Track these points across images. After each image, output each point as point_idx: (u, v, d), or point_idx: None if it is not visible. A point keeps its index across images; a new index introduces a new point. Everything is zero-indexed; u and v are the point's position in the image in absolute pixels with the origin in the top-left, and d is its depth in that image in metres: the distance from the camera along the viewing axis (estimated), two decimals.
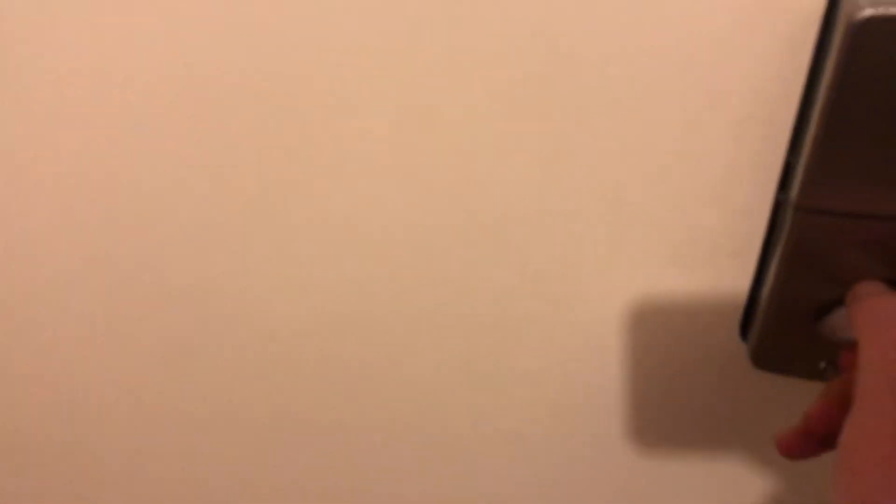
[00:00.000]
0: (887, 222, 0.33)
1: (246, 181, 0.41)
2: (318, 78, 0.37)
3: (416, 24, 0.35)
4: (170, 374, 0.50)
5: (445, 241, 0.41)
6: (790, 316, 0.37)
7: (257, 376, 0.49)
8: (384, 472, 0.53)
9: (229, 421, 0.52)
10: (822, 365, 0.39)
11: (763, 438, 0.46)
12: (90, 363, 0.50)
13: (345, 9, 0.35)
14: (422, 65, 0.36)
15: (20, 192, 0.43)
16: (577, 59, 0.35)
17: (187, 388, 0.50)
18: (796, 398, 0.44)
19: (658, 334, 0.43)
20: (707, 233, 0.39)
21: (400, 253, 0.42)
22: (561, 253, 0.41)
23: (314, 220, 0.42)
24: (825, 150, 0.32)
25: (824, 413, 0.32)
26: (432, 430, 0.51)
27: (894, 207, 0.33)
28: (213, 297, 0.46)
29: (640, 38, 0.34)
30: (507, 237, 0.41)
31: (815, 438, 0.32)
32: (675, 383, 0.45)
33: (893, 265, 0.34)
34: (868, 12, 0.29)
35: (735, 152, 0.36)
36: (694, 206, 0.38)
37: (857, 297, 0.34)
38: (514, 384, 0.47)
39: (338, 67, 0.36)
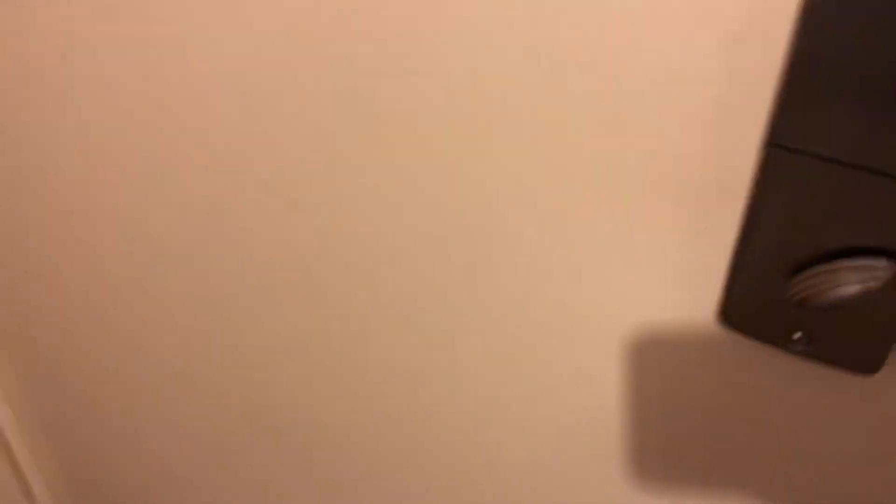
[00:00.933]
0: (874, 175, 0.29)
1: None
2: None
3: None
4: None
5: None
6: (761, 269, 0.34)
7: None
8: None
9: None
10: (798, 335, 0.35)
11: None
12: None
13: None
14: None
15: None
16: None
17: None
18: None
19: (647, 266, 0.40)
20: (696, 165, 0.36)
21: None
22: (552, 173, 0.39)
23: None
24: (801, 78, 0.29)
25: None
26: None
27: (876, 159, 0.29)
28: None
29: None
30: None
31: None
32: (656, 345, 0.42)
33: (878, 229, 0.30)
34: None
35: (728, 79, 0.33)
36: (682, 134, 0.35)
37: None
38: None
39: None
